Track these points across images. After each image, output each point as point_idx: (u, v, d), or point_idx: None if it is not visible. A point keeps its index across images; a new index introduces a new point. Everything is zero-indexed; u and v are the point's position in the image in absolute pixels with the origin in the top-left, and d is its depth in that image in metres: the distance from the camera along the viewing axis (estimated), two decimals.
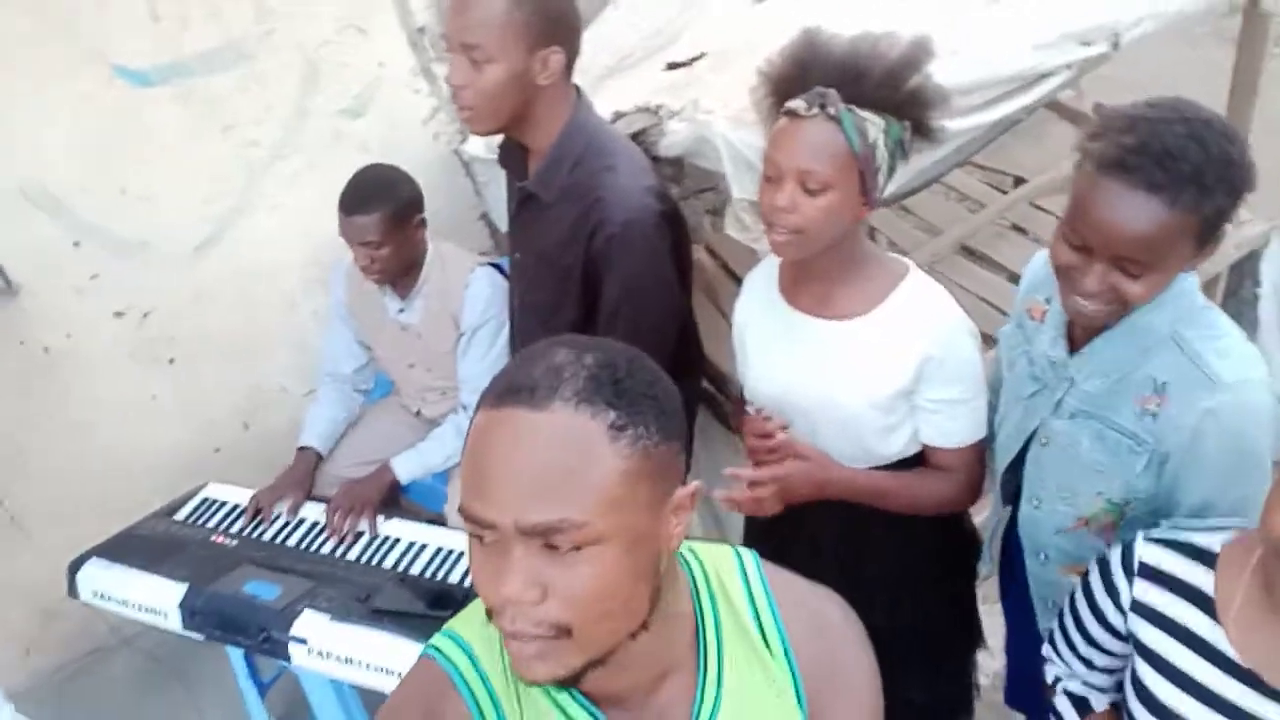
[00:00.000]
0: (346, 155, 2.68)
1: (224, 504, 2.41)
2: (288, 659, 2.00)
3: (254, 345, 2.82)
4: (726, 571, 0.96)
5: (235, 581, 2.13)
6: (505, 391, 0.77)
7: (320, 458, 2.46)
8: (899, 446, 1.58)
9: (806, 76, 1.40)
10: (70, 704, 2.31)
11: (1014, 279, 2.70)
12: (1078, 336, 1.39)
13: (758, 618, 0.93)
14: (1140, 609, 1.22)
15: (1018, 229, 2.87)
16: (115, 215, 2.50)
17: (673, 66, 2.64)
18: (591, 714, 0.87)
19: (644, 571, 0.79)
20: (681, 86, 2.08)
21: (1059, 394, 1.41)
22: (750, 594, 0.95)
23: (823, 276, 1.53)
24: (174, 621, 2.11)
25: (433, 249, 2.37)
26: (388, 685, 1.88)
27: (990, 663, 2.05)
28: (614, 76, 2.76)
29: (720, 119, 1.77)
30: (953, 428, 1.55)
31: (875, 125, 1.38)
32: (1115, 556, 1.26)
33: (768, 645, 0.93)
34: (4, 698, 2.15)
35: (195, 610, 2.09)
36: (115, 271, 2.55)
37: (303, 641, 1.95)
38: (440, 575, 2.09)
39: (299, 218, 2.71)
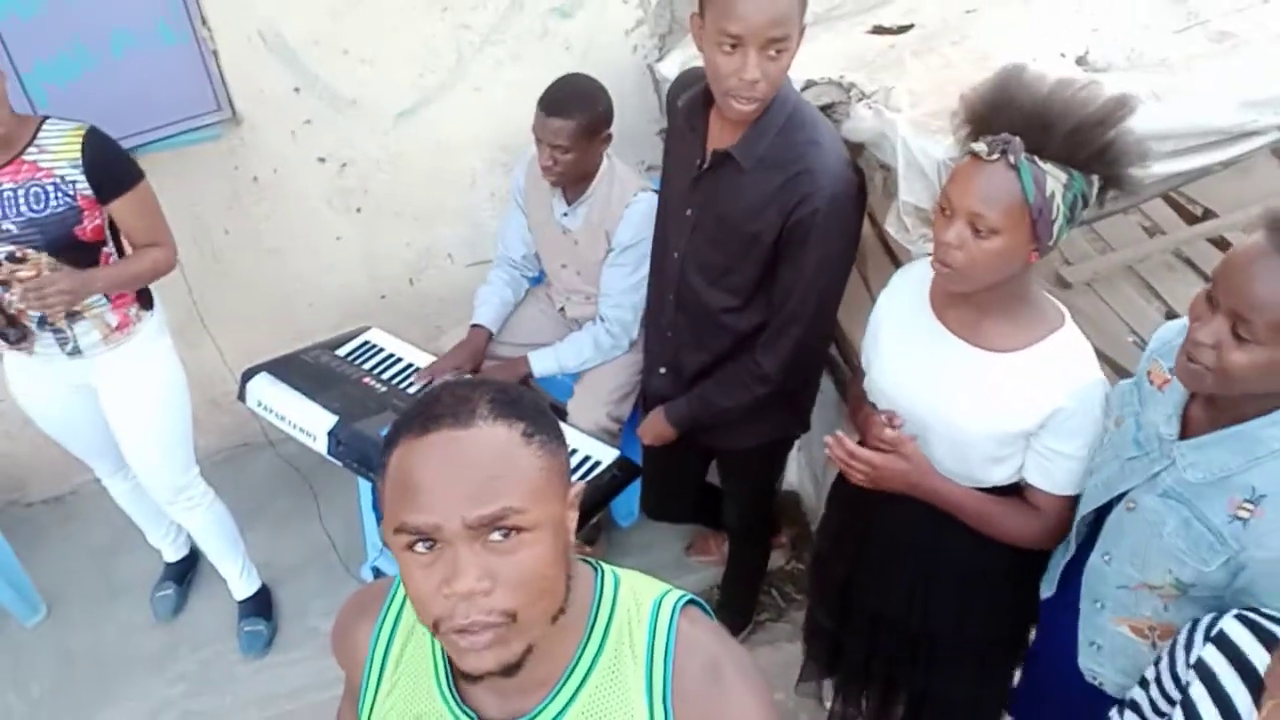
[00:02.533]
0: (549, 52, 2.81)
1: (381, 350, 2.67)
2: None
3: (432, 212, 3.04)
4: (642, 604, 1.02)
5: (378, 424, 2.39)
6: (427, 420, 0.89)
7: (491, 336, 2.67)
8: (1001, 477, 1.63)
9: (997, 118, 1.41)
10: (213, 484, 2.67)
11: (1171, 315, 2.65)
12: (1193, 420, 1.40)
13: (650, 657, 0.99)
14: (1200, 668, 1.26)
15: (1189, 263, 2.79)
16: (335, 71, 2.71)
17: (879, 31, 2.63)
18: (454, 689, 1.03)
19: (561, 555, 0.92)
20: (878, 66, 2.10)
21: (1157, 468, 1.42)
22: (653, 632, 1.00)
23: (979, 305, 1.54)
24: (321, 446, 2.39)
25: (607, 164, 2.49)
26: None
27: None
28: (818, 25, 2.76)
29: (904, 121, 1.80)
30: (1059, 476, 1.59)
31: (1056, 179, 1.38)
32: (1204, 621, 1.29)
33: (649, 686, 0.98)
34: (195, 458, 2.58)
35: (340, 441, 2.37)
36: (325, 122, 2.78)
37: None
38: None
39: (495, 103, 2.87)
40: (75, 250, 2.15)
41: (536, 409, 0.95)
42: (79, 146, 2.10)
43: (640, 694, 0.98)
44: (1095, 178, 1.42)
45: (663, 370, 2.23)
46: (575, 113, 2.32)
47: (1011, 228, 1.41)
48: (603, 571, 1.06)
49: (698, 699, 0.98)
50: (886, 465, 1.63)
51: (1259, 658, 1.21)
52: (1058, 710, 1.77)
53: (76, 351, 2.29)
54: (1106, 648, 1.58)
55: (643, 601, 1.03)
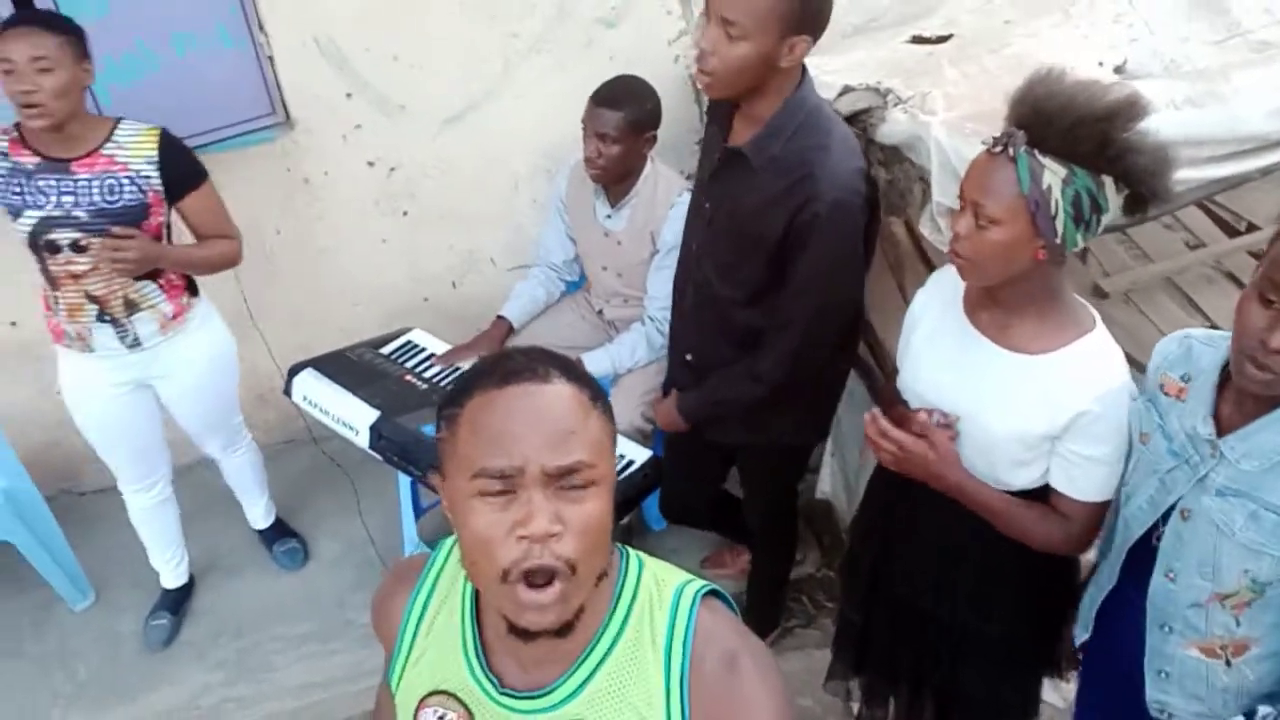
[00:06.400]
0: (594, 61, 2.87)
1: (423, 349, 2.73)
2: None
3: (476, 216, 3.11)
4: (664, 591, 1.05)
5: (417, 420, 2.44)
6: (506, 374, 0.95)
7: (513, 329, 2.74)
8: (1027, 480, 1.63)
9: (1014, 112, 1.44)
10: None
11: (1212, 327, 2.63)
12: (1226, 417, 1.39)
13: (669, 642, 1.02)
14: None
15: (1230, 276, 2.77)
16: (385, 77, 2.80)
17: (918, 40, 2.67)
18: (480, 655, 1.06)
19: (611, 515, 0.97)
20: (917, 73, 2.13)
21: (1203, 470, 1.41)
22: (674, 619, 1.03)
23: (1005, 305, 1.56)
24: (363, 440, 2.45)
25: (650, 167, 2.56)
26: None
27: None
28: (858, 35, 2.81)
29: (938, 124, 1.83)
30: (1084, 482, 1.58)
31: (1054, 173, 1.40)
32: None
33: (667, 671, 1.01)
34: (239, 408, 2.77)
35: (382, 435, 2.42)
36: (375, 126, 2.87)
37: None
38: None
39: (539, 110, 2.94)
40: None
41: (591, 379, 1.02)
42: (155, 145, 2.23)
43: (658, 677, 1.01)
44: (1107, 178, 1.42)
45: (689, 358, 2.26)
46: (625, 105, 2.40)
47: (1010, 219, 1.43)
48: (628, 555, 1.09)
49: (714, 687, 1.01)
50: (913, 449, 1.63)
51: None
52: None
53: (136, 343, 2.38)
54: (1175, 674, 1.53)
55: (665, 588, 1.06)
